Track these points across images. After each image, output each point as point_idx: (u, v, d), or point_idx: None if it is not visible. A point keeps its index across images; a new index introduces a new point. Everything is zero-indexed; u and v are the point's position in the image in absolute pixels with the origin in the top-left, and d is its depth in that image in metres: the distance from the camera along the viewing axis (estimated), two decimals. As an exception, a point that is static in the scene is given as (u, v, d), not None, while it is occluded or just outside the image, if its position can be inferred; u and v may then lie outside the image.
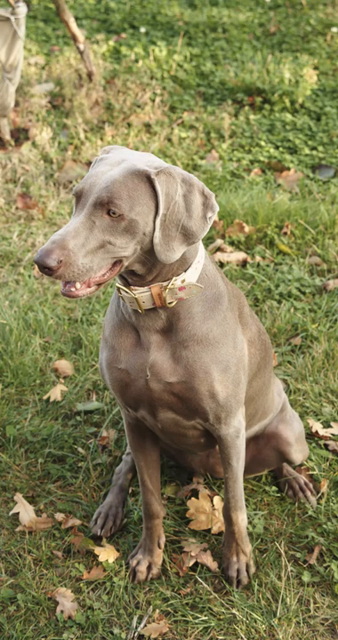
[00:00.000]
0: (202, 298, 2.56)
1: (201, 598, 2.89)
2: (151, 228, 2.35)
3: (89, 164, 5.85)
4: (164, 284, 2.47)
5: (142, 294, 2.47)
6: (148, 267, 2.43)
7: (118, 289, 2.51)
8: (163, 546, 3.02)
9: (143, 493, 3.00)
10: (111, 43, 7.89)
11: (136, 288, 2.47)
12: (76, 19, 7.99)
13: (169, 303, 2.49)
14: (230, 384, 2.64)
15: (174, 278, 2.47)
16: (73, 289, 2.34)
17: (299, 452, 3.24)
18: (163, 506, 3.06)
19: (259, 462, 3.24)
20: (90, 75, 6.77)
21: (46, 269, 2.25)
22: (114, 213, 2.29)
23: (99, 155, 2.51)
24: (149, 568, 2.98)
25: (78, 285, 2.34)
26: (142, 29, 8.31)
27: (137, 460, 2.97)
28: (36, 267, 2.27)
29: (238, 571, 2.96)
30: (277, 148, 6.15)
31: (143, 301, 2.48)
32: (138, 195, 2.32)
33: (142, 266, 2.42)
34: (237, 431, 2.77)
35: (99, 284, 2.37)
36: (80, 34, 6.66)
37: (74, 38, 6.63)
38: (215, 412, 2.65)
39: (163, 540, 3.03)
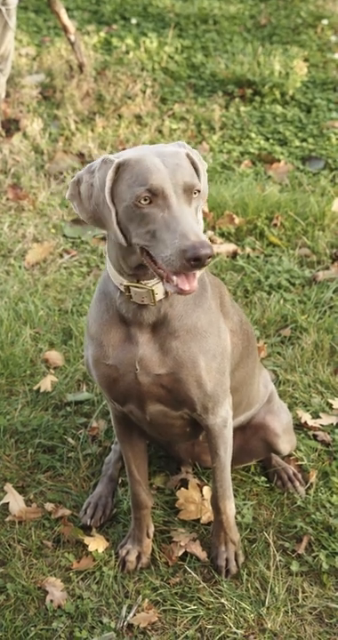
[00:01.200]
0: None
1: (190, 588, 2.90)
2: None
3: (80, 155, 5.85)
4: None
5: (157, 285, 2.47)
6: None
7: (127, 287, 2.49)
8: (152, 535, 3.04)
9: (131, 484, 3.01)
10: (102, 34, 7.87)
11: (148, 281, 2.47)
12: (67, 10, 7.95)
13: None
14: (217, 373, 2.66)
15: None
16: (195, 280, 2.29)
17: (286, 442, 3.25)
18: (151, 496, 3.07)
19: (246, 452, 3.25)
20: (81, 66, 6.76)
21: (208, 259, 2.19)
22: (196, 193, 2.33)
23: (108, 163, 2.38)
24: (139, 558, 2.99)
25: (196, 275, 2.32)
26: (133, 21, 8.29)
27: (124, 452, 2.98)
28: (190, 262, 2.17)
29: (227, 560, 2.97)
30: (267, 139, 6.15)
31: (157, 293, 2.48)
32: (194, 173, 2.39)
33: None
34: (224, 421, 2.79)
35: None
36: (71, 25, 6.65)
37: (65, 29, 6.61)
38: (202, 401, 2.66)
39: (152, 530, 3.04)
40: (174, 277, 2.27)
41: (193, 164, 2.43)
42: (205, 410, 2.71)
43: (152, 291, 2.47)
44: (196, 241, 2.18)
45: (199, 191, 2.34)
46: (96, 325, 2.66)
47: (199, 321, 2.59)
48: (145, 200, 2.28)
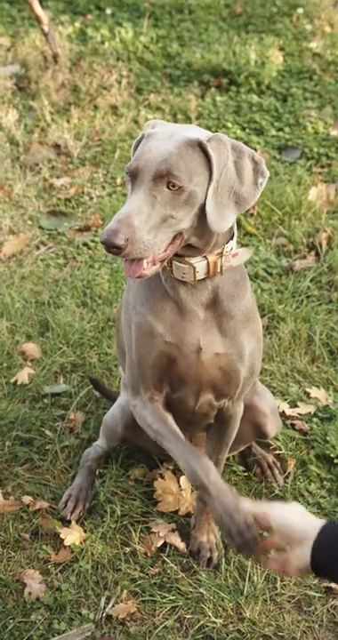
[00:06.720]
0: (239, 266, 2.60)
1: (169, 578, 2.91)
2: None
3: (56, 146, 5.82)
4: (218, 250, 2.48)
5: (199, 263, 2.46)
6: (206, 238, 2.43)
7: (169, 262, 2.49)
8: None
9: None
10: (77, 24, 7.83)
11: (191, 258, 2.47)
12: (41, 0, 7.91)
13: (222, 271, 2.51)
14: (260, 356, 2.71)
15: (226, 245, 2.49)
16: (140, 269, 2.32)
17: (273, 424, 3.23)
18: None
19: (236, 439, 3.19)
20: (55, 57, 6.72)
21: (115, 249, 2.22)
22: (173, 186, 2.29)
23: (144, 130, 2.47)
24: None
25: (145, 264, 2.32)
26: (108, 11, 8.24)
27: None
28: (103, 247, 2.24)
29: (210, 550, 2.98)
30: (243, 129, 6.14)
31: (198, 271, 2.47)
32: (194, 165, 2.33)
33: (199, 238, 2.43)
34: (241, 410, 2.84)
35: (162, 261, 2.37)
36: (44, 15, 6.60)
37: (38, 20, 6.57)
38: (242, 387, 2.70)
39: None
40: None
41: (206, 155, 2.36)
42: (239, 396, 2.75)
43: (194, 268, 2.47)
44: (108, 228, 2.23)
45: (174, 187, 2.29)
46: (147, 306, 2.60)
47: (248, 302, 2.60)
48: (128, 176, 2.34)
